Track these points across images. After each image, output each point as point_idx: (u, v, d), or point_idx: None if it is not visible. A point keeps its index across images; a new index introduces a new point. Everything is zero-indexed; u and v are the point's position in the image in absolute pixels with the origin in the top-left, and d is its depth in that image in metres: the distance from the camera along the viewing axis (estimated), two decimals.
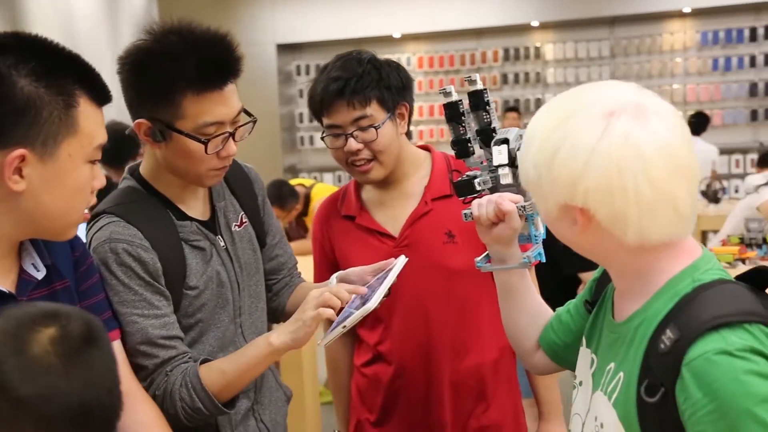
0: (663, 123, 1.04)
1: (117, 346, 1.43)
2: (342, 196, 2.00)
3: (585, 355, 1.27)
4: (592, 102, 1.07)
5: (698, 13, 8.22)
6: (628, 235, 1.05)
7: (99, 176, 1.28)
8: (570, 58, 8.54)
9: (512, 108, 8.30)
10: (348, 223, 1.94)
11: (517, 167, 1.30)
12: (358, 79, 1.79)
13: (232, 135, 1.51)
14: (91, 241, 1.50)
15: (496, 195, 1.35)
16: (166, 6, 7.56)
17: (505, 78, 8.69)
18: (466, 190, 1.41)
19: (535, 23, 8.53)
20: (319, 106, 1.82)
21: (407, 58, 8.80)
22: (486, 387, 1.92)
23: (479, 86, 1.39)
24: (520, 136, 1.33)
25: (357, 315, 1.42)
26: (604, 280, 1.31)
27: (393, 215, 1.91)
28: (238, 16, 8.80)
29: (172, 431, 1.46)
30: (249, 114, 1.55)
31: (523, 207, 1.33)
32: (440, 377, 1.88)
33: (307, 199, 5.00)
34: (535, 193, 1.13)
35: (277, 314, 1.83)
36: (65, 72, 1.21)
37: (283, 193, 4.93)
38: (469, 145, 1.42)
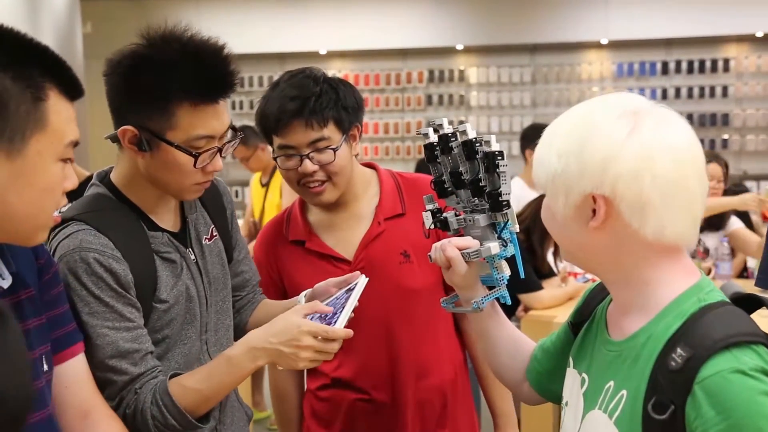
0: (684, 127, 1.11)
1: (81, 360, 1.36)
2: (286, 219, 1.93)
3: (573, 376, 1.26)
4: (615, 102, 1.12)
5: (614, 45, 8.54)
6: (647, 227, 1.07)
7: (71, 176, 1.19)
8: (493, 82, 8.72)
9: None
10: (296, 249, 1.88)
11: (484, 211, 1.33)
12: (317, 99, 1.74)
13: (220, 150, 1.46)
14: (56, 248, 1.41)
15: (445, 240, 1.35)
16: (89, 9, 7.31)
17: (429, 99, 8.79)
18: (444, 226, 1.42)
19: (459, 47, 8.67)
20: (274, 126, 1.75)
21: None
22: (447, 405, 1.92)
23: (446, 130, 1.37)
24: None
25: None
26: (591, 302, 1.32)
27: (345, 238, 1.86)
28: (161, 24, 8.58)
29: None
30: (235, 130, 1.50)
31: (468, 254, 1.32)
32: (405, 398, 1.86)
33: (275, 169, 4.96)
34: (557, 185, 1.12)
35: (237, 331, 1.76)
36: (33, 63, 1.12)
37: (245, 134, 4.89)
38: (445, 186, 1.42)
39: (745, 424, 0.96)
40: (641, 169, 1.05)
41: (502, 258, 1.34)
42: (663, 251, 1.10)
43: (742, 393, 0.97)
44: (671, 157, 1.06)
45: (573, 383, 1.25)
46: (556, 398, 1.34)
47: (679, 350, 1.03)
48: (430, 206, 1.44)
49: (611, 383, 1.13)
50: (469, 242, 1.34)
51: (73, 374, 1.34)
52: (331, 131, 1.75)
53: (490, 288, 1.39)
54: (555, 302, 3.56)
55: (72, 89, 1.18)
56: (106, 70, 1.43)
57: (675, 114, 1.11)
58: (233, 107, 8.95)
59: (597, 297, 1.31)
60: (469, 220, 1.36)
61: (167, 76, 1.38)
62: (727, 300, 1.10)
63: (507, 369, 1.46)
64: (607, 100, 1.14)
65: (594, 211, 1.10)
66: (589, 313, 1.31)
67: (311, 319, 1.50)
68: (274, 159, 1.81)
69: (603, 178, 1.07)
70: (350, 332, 1.39)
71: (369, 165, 1.97)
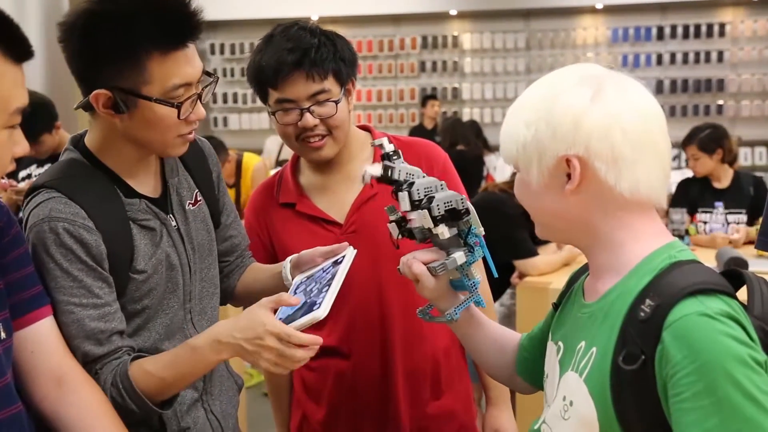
0: (643, 90, 1.14)
1: (48, 324, 1.31)
2: (278, 182, 1.88)
3: (551, 348, 1.26)
4: (573, 71, 1.15)
5: (609, 10, 8.45)
6: (623, 182, 1.08)
7: (20, 142, 1.12)
8: (487, 48, 8.63)
9: (431, 96, 8.34)
10: (287, 212, 1.83)
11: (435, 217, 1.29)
12: (317, 50, 1.69)
13: (200, 97, 1.40)
14: (28, 218, 1.36)
15: (410, 255, 1.33)
16: None
17: (423, 66, 8.71)
18: (411, 236, 1.37)
19: (453, 12, 8.58)
20: (272, 79, 1.69)
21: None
22: (440, 374, 1.88)
23: (387, 149, 1.40)
24: (433, 187, 1.32)
25: (305, 321, 1.32)
26: (572, 282, 1.32)
27: (337, 200, 1.82)
28: None
29: None
30: (209, 74, 1.44)
31: (434, 268, 1.29)
32: (395, 366, 1.83)
33: (239, 166, 4.90)
34: (529, 153, 1.13)
35: (226, 296, 1.72)
36: None
37: (214, 145, 4.83)
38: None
39: (712, 367, 0.96)
40: (611, 125, 1.07)
41: (470, 264, 1.31)
42: (637, 210, 1.12)
43: (708, 335, 0.97)
44: (637, 114, 1.09)
45: (551, 354, 1.25)
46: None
47: (647, 301, 1.04)
48: (393, 216, 1.40)
49: (582, 343, 1.13)
50: (433, 255, 1.32)
51: (40, 339, 1.29)
52: (330, 83, 1.71)
53: (464, 290, 1.36)
54: (550, 268, 3.52)
55: (18, 50, 1.09)
56: (61, 36, 1.35)
57: (632, 79, 1.14)
58: (224, 74, 8.86)
59: (578, 277, 1.31)
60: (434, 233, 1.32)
61: (129, 30, 1.30)
62: (698, 260, 1.11)
63: (496, 367, 1.46)
64: (565, 70, 1.16)
65: (568, 175, 1.11)
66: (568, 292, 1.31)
67: (296, 294, 1.44)
68: (273, 114, 1.74)
69: (575, 137, 1.08)
70: (318, 339, 1.32)
71: (364, 128, 1.92)
